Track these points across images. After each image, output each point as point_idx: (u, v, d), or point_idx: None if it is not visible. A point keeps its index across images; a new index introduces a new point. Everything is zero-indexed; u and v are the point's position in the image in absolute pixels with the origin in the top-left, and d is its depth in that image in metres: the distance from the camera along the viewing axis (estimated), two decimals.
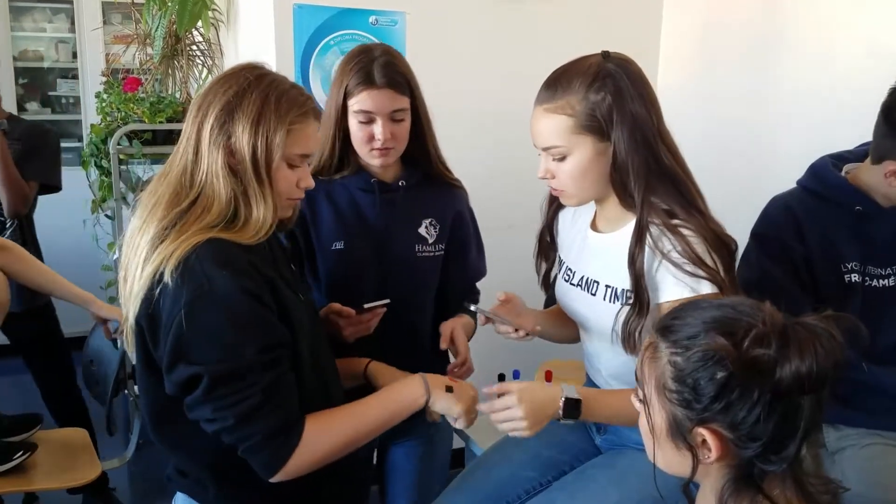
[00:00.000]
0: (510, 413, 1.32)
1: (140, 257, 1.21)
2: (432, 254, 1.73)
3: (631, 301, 1.34)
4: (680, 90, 3.05)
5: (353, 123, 1.61)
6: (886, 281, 1.70)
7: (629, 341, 1.35)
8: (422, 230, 1.72)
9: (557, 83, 1.36)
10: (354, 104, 1.58)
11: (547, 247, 1.64)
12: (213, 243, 1.19)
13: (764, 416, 0.92)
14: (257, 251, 1.26)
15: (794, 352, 0.91)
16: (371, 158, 1.64)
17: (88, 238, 3.64)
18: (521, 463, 1.60)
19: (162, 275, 1.16)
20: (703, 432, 0.96)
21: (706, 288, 1.28)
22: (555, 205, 1.61)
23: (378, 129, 1.58)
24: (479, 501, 1.56)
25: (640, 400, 1.04)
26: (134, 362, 1.30)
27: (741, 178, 2.74)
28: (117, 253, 3.46)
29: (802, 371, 0.90)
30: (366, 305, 1.58)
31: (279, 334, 1.23)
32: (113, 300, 3.68)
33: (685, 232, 1.30)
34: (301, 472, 1.24)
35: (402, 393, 1.37)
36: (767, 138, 2.65)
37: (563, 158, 1.37)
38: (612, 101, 1.31)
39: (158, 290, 1.17)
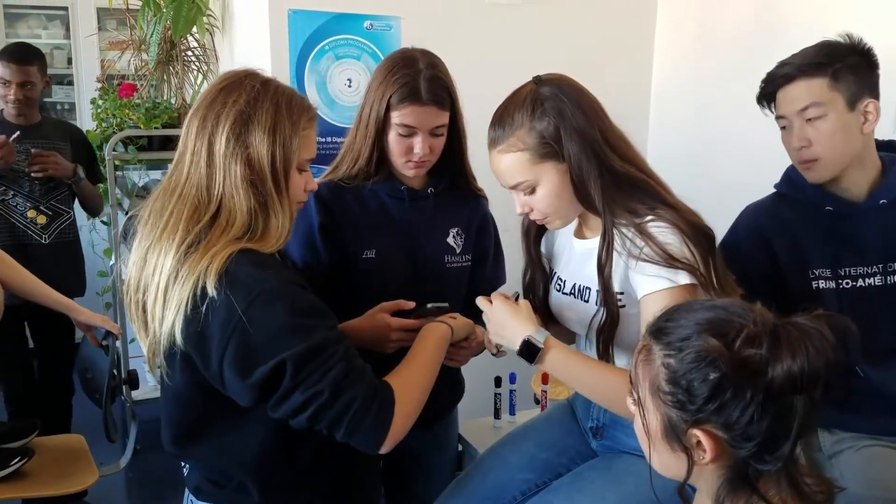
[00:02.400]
0: (487, 305, 1.41)
1: (163, 277, 1.18)
2: (460, 264, 1.71)
3: (605, 306, 1.37)
4: (674, 90, 3.07)
5: (392, 135, 1.58)
6: (872, 280, 1.65)
7: (602, 349, 1.40)
8: (450, 240, 1.71)
9: (502, 123, 1.38)
10: (397, 117, 1.56)
11: (538, 278, 1.62)
12: (245, 253, 1.19)
13: (757, 416, 0.93)
14: (277, 257, 1.27)
15: (786, 351, 0.92)
16: (405, 169, 1.63)
17: (85, 244, 3.63)
18: (517, 465, 1.60)
19: (204, 291, 1.14)
20: (697, 433, 0.96)
21: (683, 278, 1.28)
22: (533, 233, 1.62)
23: (418, 144, 1.57)
24: None
25: (635, 402, 1.05)
26: (165, 380, 1.27)
27: (735, 178, 2.74)
28: (114, 259, 3.47)
29: (794, 370, 0.91)
30: (429, 305, 1.53)
31: (333, 316, 1.24)
32: (109, 306, 3.69)
33: (657, 225, 1.31)
34: (405, 429, 1.23)
35: (432, 335, 1.43)
36: (762, 138, 2.65)
37: (533, 191, 1.40)
38: (556, 122, 1.34)
39: (205, 307, 1.15)
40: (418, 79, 1.54)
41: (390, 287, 1.63)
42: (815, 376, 0.92)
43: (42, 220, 2.92)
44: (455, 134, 1.65)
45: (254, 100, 1.23)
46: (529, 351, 1.34)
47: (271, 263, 1.22)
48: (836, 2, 2.39)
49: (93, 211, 3.23)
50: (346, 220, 1.64)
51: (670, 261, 1.28)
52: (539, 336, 1.34)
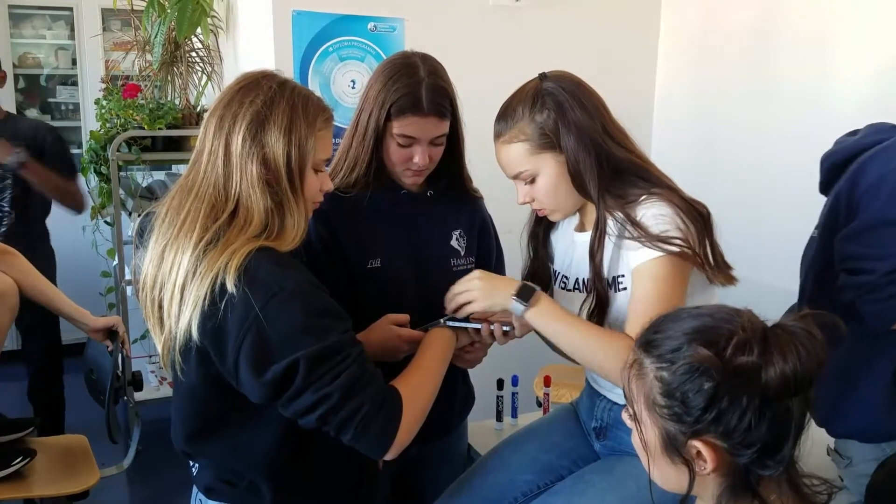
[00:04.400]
0: (467, 283, 1.42)
1: (180, 274, 1.19)
2: (465, 266, 1.69)
3: (594, 291, 1.42)
4: (678, 93, 3.07)
5: (392, 144, 1.55)
6: None
7: None
8: (453, 242, 1.69)
9: (506, 115, 1.46)
10: (397, 128, 1.52)
11: (543, 279, 1.64)
12: (264, 251, 1.19)
13: (755, 422, 0.92)
14: (295, 255, 1.28)
15: (777, 355, 0.92)
16: (404, 177, 1.61)
17: (88, 244, 3.64)
18: (518, 467, 1.61)
19: (223, 287, 1.15)
20: (697, 444, 0.96)
21: (674, 248, 1.32)
22: (541, 235, 1.64)
23: (418, 154, 1.54)
24: None
25: (631, 417, 1.04)
26: (179, 377, 1.27)
27: (738, 177, 2.75)
28: (117, 260, 3.47)
29: (787, 373, 0.91)
30: (441, 321, 1.49)
31: (348, 318, 1.25)
32: (113, 306, 3.69)
33: (651, 202, 1.37)
34: (411, 436, 1.24)
35: (438, 341, 1.44)
36: (765, 137, 2.66)
37: (533, 180, 1.46)
38: (555, 115, 1.40)
39: (224, 303, 1.15)
40: (419, 88, 1.50)
41: (398, 295, 1.61)
42: (808, 377, 0.92)
43: None
44: (454, 139, 1.63)
45: (270, 100, 1.24)
46: (525, 291, 1.37)
47: (290, 263, 1.22)
48: (837, 8, 2.38)
49: (70, 206, 3.13)
50: (347, 232, 1.60)
51: (662, 233, 1.32)
52: (533, 285, 1.39)
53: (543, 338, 1.45)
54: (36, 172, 2.94)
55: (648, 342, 1.01)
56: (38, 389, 3.14)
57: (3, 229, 2.96)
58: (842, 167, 1.66)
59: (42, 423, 2.88)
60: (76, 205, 3.18)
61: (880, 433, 1.59)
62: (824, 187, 1.74)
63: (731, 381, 0.92)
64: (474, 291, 1.41)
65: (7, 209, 2.97)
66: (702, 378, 0.93)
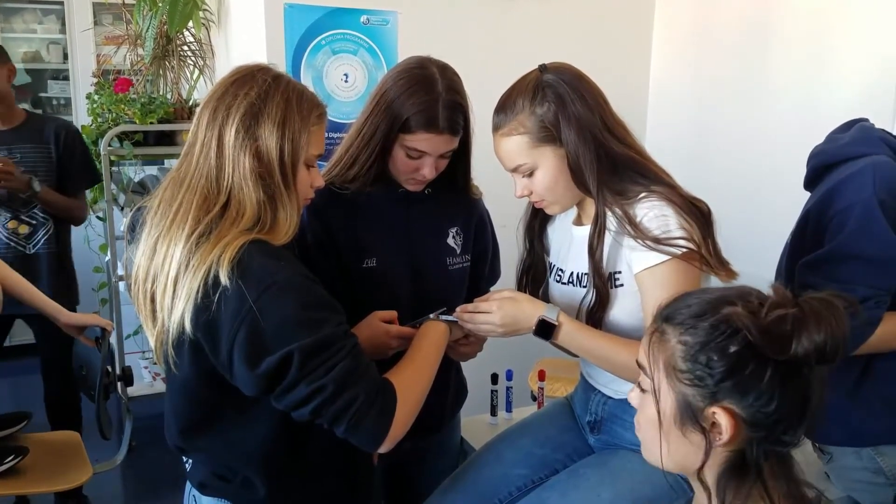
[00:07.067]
0: (487, 318, 1.43)
1: (173, 267, 1.19)
2: (461, 265, 1.68)
3: (593, 287, 1.42)
4: (672, 85, 3.06)
5: (399, 154, 1.52)
6: None
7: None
8: (449, 241, 1.68)
9: (505, 107, 1.44)
10: (409, 141, 1.49)
11: (539, 272, 1.65)
12: (257, 243, 1.19)
13: (778, 391, 0.91)
14: (288, 249, 1.28)
15: (812, 323, 0.90)
16: (406, 184, 1.59)
17: (80, 240, 3.62)
18: (512, 461, 1.60)
19: (216, 279, 1.14)
20: (716, 410, 0.93)
21: (678, 250, 1.31)
22: (537, 228, 1.64)
23: (426, 167, 1.52)
24: (471, 500, 1.56)
25: (644, 390, 1.03)
26: (172, 371, 1.26)
27: (734, 172, 2.75)
28: (109, 255, 3.46)
29: (818, 342, 0.89)
30: (431, 315, 1.49)
31: (342, 311, 1.24)
32: (105, 302, 3.68)
33: (652, 202, 1.36)
34: (405, 429, 1.24)
35: (432, 334, 1.43)
36: (761, 129, 2.66)
37: (531, 173, 1.44)
38: (556, 108, 1.38)
39: (217, 296, 1.15)
40: (436, 106, 1.47)
41: (394, 294, 1.60)
42: (836, 349, 0.90)
43: (24, 230, 2.81)
44: (463, 149, 1.60)
45: (265, 93, 1.23)
46: (545, 329, 1.39)
47: (284, 255, 1.22)
48: (834, 1, 2.38)
49: (72, 221, 3.03)
50: (342, 228, 1.59)
51: (665, 234, 1.32)
52: (551, 313, 1.39)
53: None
54: (48, 199, 2.82)
55: (670, 314, 1.00)
56: (55, 387, 3.02)
57: (43, 238, 2.87)
58: (825, 170, 1.66)
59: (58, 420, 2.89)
60: (77, 221, 3.07)
61: (855, 439, 1.62)
62: (807, 184, 1.74)
63: (763, 341, 0.90)
64: (497, 329, 1.42)
65: (45, 217, 2.86)
66: (729, 339, 0.92)
